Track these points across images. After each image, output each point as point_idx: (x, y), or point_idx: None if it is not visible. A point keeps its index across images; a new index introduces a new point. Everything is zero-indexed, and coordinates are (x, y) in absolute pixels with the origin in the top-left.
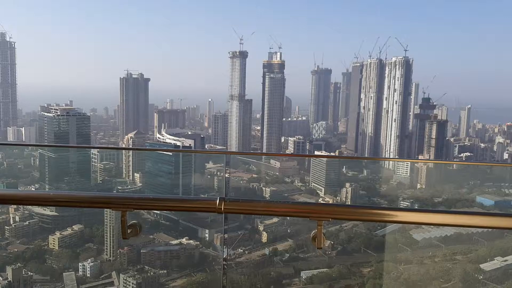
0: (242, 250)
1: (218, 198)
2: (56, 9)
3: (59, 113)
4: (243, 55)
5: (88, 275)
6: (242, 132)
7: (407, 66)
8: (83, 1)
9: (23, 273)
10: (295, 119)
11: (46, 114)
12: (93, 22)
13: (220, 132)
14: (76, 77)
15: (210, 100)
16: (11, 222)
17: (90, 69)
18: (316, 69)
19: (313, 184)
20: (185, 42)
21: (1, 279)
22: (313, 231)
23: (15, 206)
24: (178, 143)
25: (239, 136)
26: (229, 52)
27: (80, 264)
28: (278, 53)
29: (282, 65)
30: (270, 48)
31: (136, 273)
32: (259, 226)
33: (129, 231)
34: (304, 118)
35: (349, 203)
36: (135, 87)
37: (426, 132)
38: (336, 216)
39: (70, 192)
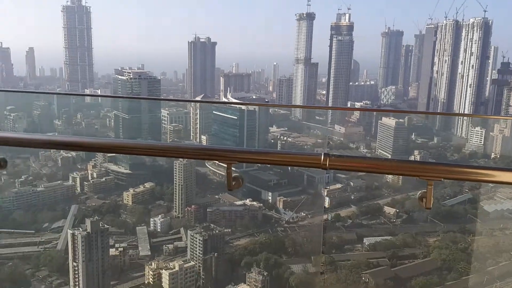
0: (304, 214)
1: (323, 153)
2: None
3: (131, 76)
4: (310, 17)
5: (159, 230)
6: (306, 96)
7: (486, 28)
8: None
9: (100, 225)
10: (362, 83)
11: (119, 77)
12: None
13: (284, 96)
14: (147, 41)
15: (275, 63)
16: (90, 178)
17: (160, 33)
18: (386, 31)
19: (379, 151)
20: (252, 5)
21: (81, 230)
22: (420, 191)
23: (93, 163)
24: (243, 107)
25: (304, 100)
26: (295, 14)
27: (151, 219)
28: (347, 15)
29: (350, 27)
30: (338, 9)
31: (202, 230)
32: (322, 191)
33: (233, 183)
34: (372, 82)
35: None
36: (202, 51)
37: (504, 99)
38: (448, 176)
39: (178, 143)
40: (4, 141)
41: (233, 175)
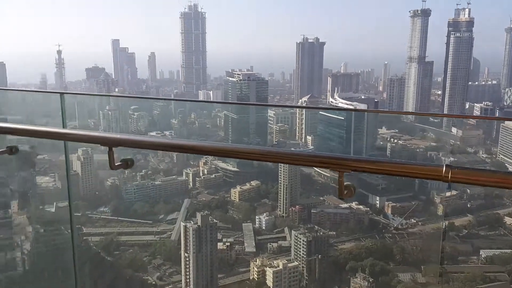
0: (415, 221)
1: (444, 165)
2: None
3: (241, 78)
4: (425, 13)
5: (263, 227)
6: (420, 96)
7: None
8: None
9: (210, 220)
10: (483, 83)
11: (230, 79)
12: None
13: (395, 96)
14: (257, 43)
15: (386, 62)
16: (201, 174)
17: (269, 35)
18: (511, 26)
19: (501, 156)
20: (362, 3)
21: (193, 223)
22: None
23: (204, 160)
24: (351, 107)
25: (417, 100)
26: (409, 11)
27: (256, 217)
28: (466, 10)
29: (470, 23)
30: (457, 4)
31: (306, 231)
32: (435, 198)
33: (345, 192)
34: (494, 82)
35: None
36: (310, 52)
37: None
38: None
39: (293, 150)
40: (130, 143)
41: (345, 183)
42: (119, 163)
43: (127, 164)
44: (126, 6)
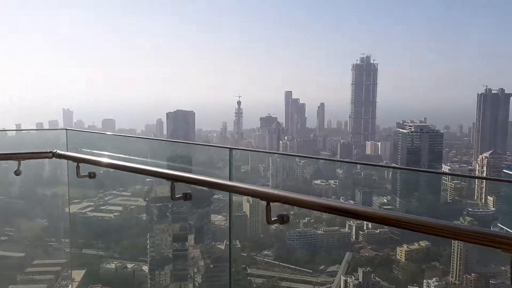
0: None
1: None
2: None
3: (413, 129)
4: None
5: None
6: None
7: None
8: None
9: (372, 277)
10: None
11: (400, 130)
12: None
13: None
14: (430, 95)
15: None
16: (365, 228)
17: (445, 86)
18: None
19: None
20: None
21: (353, 278)
22: None
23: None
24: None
25: None
26: None
27: (424, 280)
28: None
29: None
30: None
31: None
32: None
33: None
34: None
35: None
36: (494, 103)
37: None
38: None
39: (454, 225)
40: (286, 200)
41: None
42: (275, 218)
43: (283, 219)
44: (300, 60)
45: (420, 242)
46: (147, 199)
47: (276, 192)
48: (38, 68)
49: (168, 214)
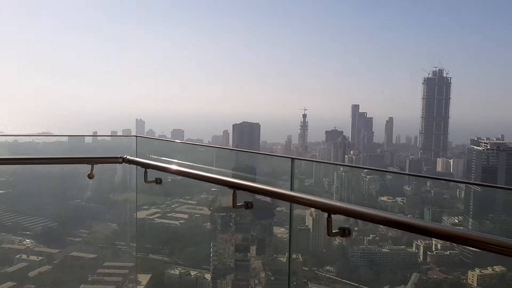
0: None
1: None
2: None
3: (488, 147)
4: None
5: None
6: None
7: None
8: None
9: None
10: None
11: (475, 147)
12: None
13: None
14: (509, 110)
15: None
16: (433, 249)
17: None
18: None
19: None
20: None
21: None
22: None
23: None
24: None
25: None
26: None
27: None
28: None
29: None
30: None
31: None
32: None
33: None
34: None
35: None
36: None
37: None
38: None
39: None
40: (350, 213)
41: None
42: (337, 230)
43: (344, 232)
44: (368, 73)
45: (494, 266)
46: (211, 208)
47: (337, 204)
48: (115, 81)
49: (231, 224)
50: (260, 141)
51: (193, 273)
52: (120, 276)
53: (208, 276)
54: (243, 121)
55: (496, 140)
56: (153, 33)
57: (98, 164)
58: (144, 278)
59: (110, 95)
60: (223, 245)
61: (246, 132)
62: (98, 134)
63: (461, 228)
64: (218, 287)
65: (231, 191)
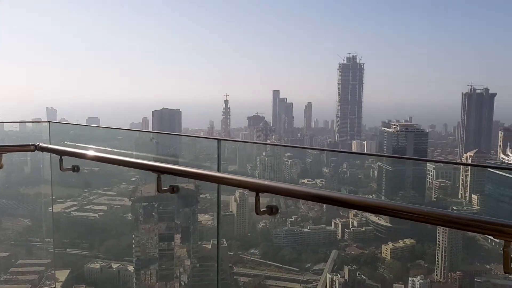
0: None
1: None
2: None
3: (398, 128)
4: None
5: None
6: None
7: None
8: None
9: (358, 275)
10: None
11: (386, 129)
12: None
13: None
14: (416, 94)
15: None
16: (350, 226)
17: (431, 86)
18: None
19: None
20: None
21: (339, 276)
22: None
23: (354, 212)
24: None
25: None
26: None
27: (410, 278)
28: None
29: None
30: None
31: None
32: None
33: (511, 265)
34: None
35: None
36: (478, 103)
37: None
38: None
39: (449, 212)
40: (278, 191)
41: None
42: (264, 208)
43: (272, 210)
44: (288, 59)
45: (405, 240)
46: (132, 198)
47: (265, 182)
48: (23, 66)
49: (154, 213)
50: (182, 128)
51: (115, 265)
52: (36, 274)
53: (131, 267)
54: (163, 108)
55: (405, 122)
56: (65, 20)
57: (7, 154)
58: (62, 274)
59: (19, 83)
60: (146, 236)
61: (167, 119)
62: (3, 121)
63: (376, 198)
64: (141, 278)
65: (153, 179)
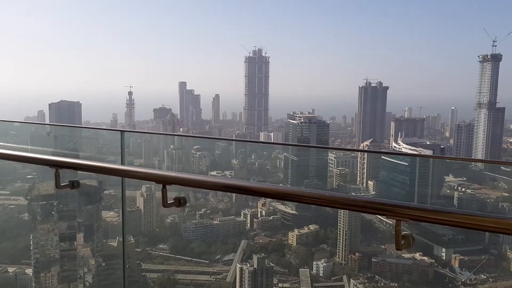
0: (485, 277)
1: None
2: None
3: (302, 120)
4: (496, 58)
5: (321, 274)
6: (490, 144)
7: None
8: (318, 18)
9: (266, 263)
10: None
11: (291, 121)
12: (332, 32)
13: (463, 143)
14: (318, 87)
15: (453, 108)
16: (259, 216)
17: (331, 79)
18: None
19: None
20: (428, 48)
21: (249, 265)
22: None
23: (262, 202)
24: (415, 153)
25: (487, 148)
26: (478, 56)
27: (314, 262)
28: None
29: None
30: None
31: (366, 281)
32: (508, 253)
33: (402, 242)
34: None
35: None
36: (373, 96)
37: None
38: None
39: (348, 196)
40: (186, 182)
41: (403, 233)
42: (172, 201)
43: (180, 202)
44: (194, 51)
45: (309, 226)
46: (28, 197)
47: (172, 174)
48: None
49: (53, 212)
50: (83, 121)
51: (11, 269)
52: None
53: (29, 271)
54: (61, 100)
55: (308, 114)
56: None
57: None
58: None
59: None
60: (45, 236)
61: (65, 111)
62: None
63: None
64: (41, 282)
65: (51, 176)
